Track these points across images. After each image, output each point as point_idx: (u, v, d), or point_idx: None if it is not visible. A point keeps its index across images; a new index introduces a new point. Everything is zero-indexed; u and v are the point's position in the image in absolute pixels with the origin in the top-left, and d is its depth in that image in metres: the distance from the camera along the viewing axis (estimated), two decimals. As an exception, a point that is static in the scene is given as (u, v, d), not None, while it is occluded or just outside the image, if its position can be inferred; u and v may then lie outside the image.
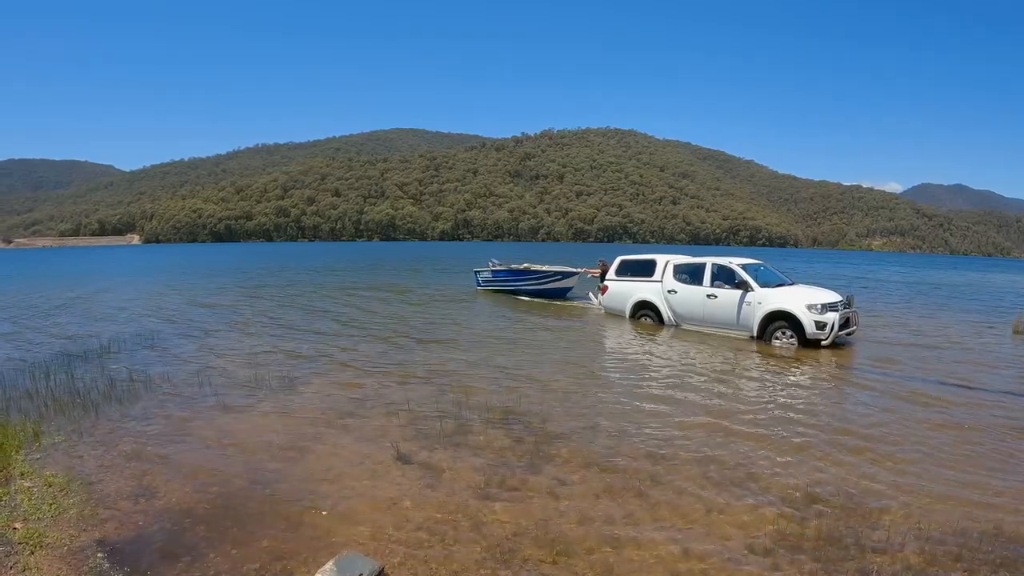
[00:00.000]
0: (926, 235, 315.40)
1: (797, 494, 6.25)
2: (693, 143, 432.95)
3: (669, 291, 17.45)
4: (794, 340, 14.50)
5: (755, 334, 15.24)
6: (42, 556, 4.88)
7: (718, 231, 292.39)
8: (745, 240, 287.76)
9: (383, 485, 6.40)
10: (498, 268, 28.59)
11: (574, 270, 25.49)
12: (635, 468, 6.91)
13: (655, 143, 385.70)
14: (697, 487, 6.41)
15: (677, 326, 17.35)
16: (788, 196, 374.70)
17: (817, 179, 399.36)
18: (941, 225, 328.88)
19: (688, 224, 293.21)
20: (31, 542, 5.05)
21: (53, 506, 5.76)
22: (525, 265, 27.75)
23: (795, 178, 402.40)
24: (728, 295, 15.82)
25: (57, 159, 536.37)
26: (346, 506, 5.91)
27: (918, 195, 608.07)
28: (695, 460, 7.18)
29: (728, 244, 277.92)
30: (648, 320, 18.18)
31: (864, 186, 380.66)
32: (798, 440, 7.96)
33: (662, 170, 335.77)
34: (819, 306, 14.34)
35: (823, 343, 14.18)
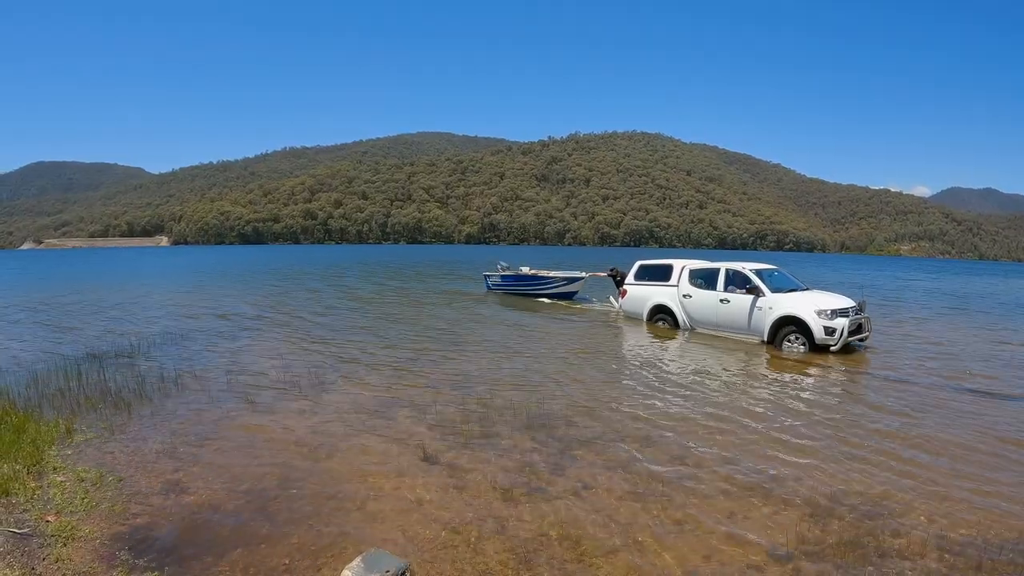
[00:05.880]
0: (955, 240, 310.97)
1: (818, 499, 6.21)
2: (720, 147, 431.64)
3: (684, 296, 17.49)
4: (804, 345, 14.44)
5: (766, 339, 15.22)
6: (74, 548, 4.97)
7: (745, 236, 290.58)
8: (772, 245, 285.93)
9: (410, 485, 6.44)
10: (506, 272, 29.11)
11: (580, 275, 26.01)
12: (658, 471, 6.92)
13: (681, 147, 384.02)
14: (719, 491, 6.40)
15: (692, 330, 17.36)
16: (816, 200, 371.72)
17: (845, 183, 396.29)
18: (971, 230, 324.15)
19: (715, 228, 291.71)
20: (64, 534, 5.14)
21: (85, 500, 5.86)
22: (532, 271, 28.33)
23: (823, 182, 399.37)
24: (740, 300, 15.81)
25: (87, 161, 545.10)
26: (373, 505, 5.97)
27: (947, 199, 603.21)
28: (717, 464, 7.17)
29: (755, 249, 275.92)
30: (664, 324, 18.22)
31: (892, 190, 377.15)
32: (817, 445, 7.92)
33: (689, 174, 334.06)
34: (829, 312, 14.27)
35: (832, 348, 14.10)
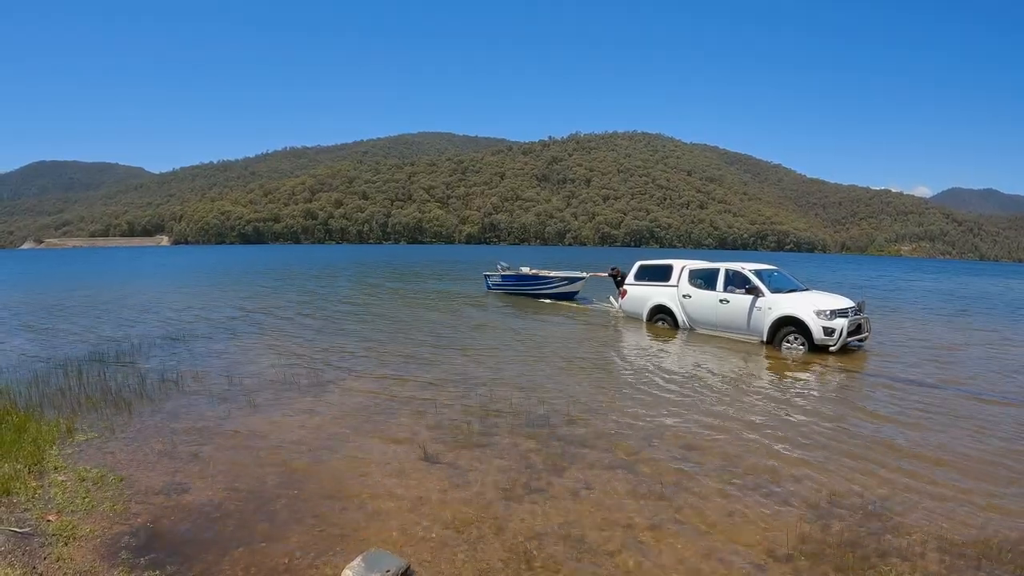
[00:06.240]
0: (956, 240, 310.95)
1: (818, 500, 6.23)
2: (720, 147, 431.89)
3: (684, 296, 17.51)
4: (803, 346, 14.46)
5: (765, 339, 15.25)
6: (75, 547, 4.98)
7: (745, 236, 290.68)
8: (773, 245, 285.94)
9: (410, 485, 6.45)
10: (506, 272, 29.07)
11: (580, 275, 25.98)
12: (658, 472, 6.93)
13: (682, 147, 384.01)
14: (719, 492, 6.41)
15: (691, 330, 17.39)
16: (816, 201, 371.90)
17: (846, 183, 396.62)
18: (971, 230, 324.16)
19: (715, 229, 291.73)
20: (65, 533, 5.15)
21: (86, 499, 5.87)
22: (533, 271, 28.32)
23: (823, 182, 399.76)
24: (739, 300, 15.83)
25: (88, 161, 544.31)
26: (374, 505, 5.98)
27: (948, 199, 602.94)
28: (717, 464, 7.19)
29: (756, 249, 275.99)
30: (663, 324, 18.25)
31: (893, 191, 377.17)
32: (816, 447, 7.92)
33: (689, 174, 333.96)
34: (828, 312, 14.28)
35: (831, 349, 14.12)
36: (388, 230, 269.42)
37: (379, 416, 8.99)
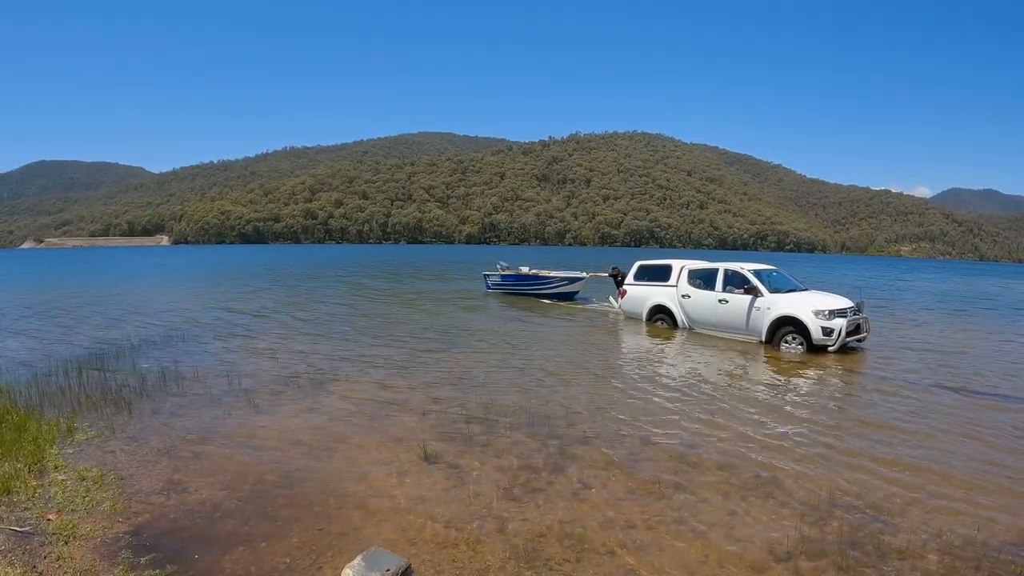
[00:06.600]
0: (956, 241, 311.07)
1: (817, 501, 6.22)
2: (721, 147, 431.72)
3: (683, 296, 17.54)
4: (802, 345, 14.49)
5: (764, 339, 15.27)
6: (75, 547, 4.98)
7: (745, 236, 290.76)
8: (773, 245, 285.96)
9: (410, 484, 6.46)
10: (506, 272, 29.01)
11: (580, 275, 26.01)
12: (658, 472, 6.92)
13: (682, 147, 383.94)
14: (719, 492, 6.41)
15: (690, 330, 17.43)
16: (816, 201, 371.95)
17: (846, 183, 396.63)
18: (971, 231, 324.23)
19: (715, 229, 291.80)
20: (65, 533, 5.15)
21: (86, 499, 5.87)
22: (533, 270, 28.30)
23: (823, 183, 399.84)
24: (738, 300, 15.85)
25: (88, 161, 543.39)
26: (374, 504, 5.98)
27: (948, 200, 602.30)
28: (716, 465, 7.18)
29: (756, 249, 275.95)
30: (662, 324, 18.28)
31: (893, 191, 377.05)
32: (815, 447, 7.92)
33: (689, 174, 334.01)
34: (826, 312, 14.30)
35: (830, 349, 14.17)
36: (388, 230, 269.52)
37: (378, 416, 9.00)
